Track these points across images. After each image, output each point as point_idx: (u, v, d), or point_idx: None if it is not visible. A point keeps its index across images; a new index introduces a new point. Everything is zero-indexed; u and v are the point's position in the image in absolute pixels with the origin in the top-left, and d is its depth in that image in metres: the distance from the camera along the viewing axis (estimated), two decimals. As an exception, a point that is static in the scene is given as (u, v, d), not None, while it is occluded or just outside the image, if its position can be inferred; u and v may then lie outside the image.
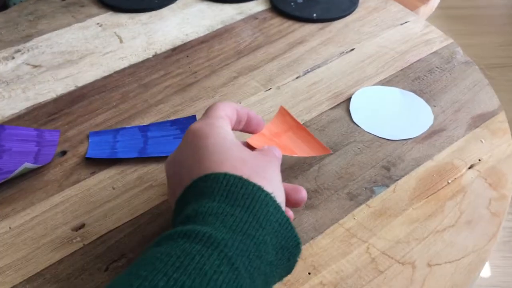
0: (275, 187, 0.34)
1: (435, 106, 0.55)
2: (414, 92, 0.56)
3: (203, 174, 0.33)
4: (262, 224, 0.31)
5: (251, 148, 0.42)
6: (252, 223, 0.30)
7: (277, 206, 0.32)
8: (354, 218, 0.44)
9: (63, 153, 0.50)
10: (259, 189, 0.32)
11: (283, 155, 0.42)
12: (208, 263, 0.27)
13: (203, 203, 0.31)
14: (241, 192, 0.31)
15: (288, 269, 0.34)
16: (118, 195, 0.46)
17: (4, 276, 0.40)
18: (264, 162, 0.35)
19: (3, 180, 0.45)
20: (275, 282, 0.32)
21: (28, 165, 0.46)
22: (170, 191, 0.37)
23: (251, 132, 0.43)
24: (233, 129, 0.40)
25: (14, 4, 0.85)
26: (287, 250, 0.32)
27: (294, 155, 0.46)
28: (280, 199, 0.34)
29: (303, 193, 0.38)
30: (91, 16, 0.68)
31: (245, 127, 0.42)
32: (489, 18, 1.90)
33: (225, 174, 0.32)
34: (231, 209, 0.31)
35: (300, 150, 0.47)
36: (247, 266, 0.28)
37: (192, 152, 0.35)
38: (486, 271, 1.13)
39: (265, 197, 0.32)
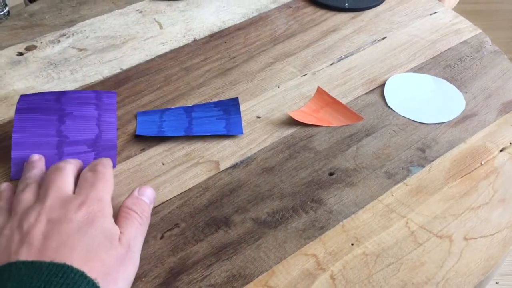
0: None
1: (466, 93, 0.57)
2: (446, 79, 0.59)
3: None
4: None
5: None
6: None
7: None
8: (392, 195, 0.46)
9: (113, 131, 0.53)
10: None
11: (323, 127, 0.48)
12: None
13: None
14: None
15: None
16: (168, 170, 0.49)
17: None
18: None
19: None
20: None
21: None
22: None
23: None
24: None
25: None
26: None
27: (331, 125, 0.52)
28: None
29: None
30: (130, 3, 0.70)
31: None
32: (504, 12, 1.92)
33: None
34: None
35: (336, 120, 0.53)
36: None
37: None
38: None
39: None
